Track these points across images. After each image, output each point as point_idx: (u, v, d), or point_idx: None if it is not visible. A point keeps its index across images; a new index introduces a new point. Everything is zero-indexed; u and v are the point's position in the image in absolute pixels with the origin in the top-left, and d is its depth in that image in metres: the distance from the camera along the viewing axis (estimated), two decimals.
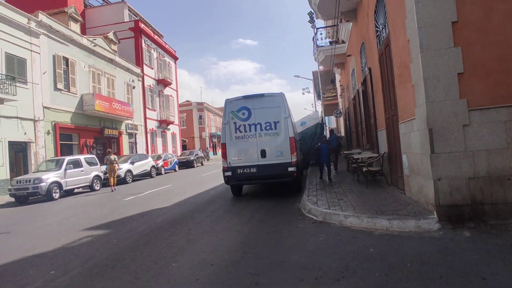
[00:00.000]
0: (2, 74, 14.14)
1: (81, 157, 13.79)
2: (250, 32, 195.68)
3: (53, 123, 17.34)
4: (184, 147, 41.91)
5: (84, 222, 7.06)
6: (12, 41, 15.23)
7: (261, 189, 9.77)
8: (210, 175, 16.58)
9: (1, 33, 14.68)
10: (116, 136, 22.99)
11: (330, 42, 15.59)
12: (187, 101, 50.38)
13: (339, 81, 21.25)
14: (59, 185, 12.01)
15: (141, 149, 26.39)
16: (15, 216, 8.88)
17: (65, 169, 12.47)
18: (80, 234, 5.87)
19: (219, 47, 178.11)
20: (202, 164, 29.18)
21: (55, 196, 11.74)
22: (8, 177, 14.24)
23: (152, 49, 30.51)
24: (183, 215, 6.88)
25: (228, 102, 8.23)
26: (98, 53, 21.87)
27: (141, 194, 10.98)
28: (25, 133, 15.58)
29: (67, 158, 12.93)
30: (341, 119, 25.34)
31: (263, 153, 7.83)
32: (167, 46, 34.11)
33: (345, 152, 12.19)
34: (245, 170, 7.90)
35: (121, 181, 15.89)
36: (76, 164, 13.26)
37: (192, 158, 27.22)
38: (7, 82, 14.19)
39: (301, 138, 12.75)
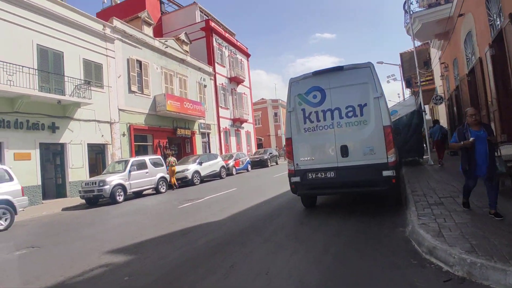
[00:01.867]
0: (79, 79, 14.64)
1: (146, 158, 13.33)
2: (327, 25, 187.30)
3: (128, 124, 17.67)
4: (259, 146, 41.05)
5: (118, 238, 5.81)
6: (89, 48, 15.78)
7: (345, 198, 7.37)
8: (281, 177, 14.62)
9: (79, 41, 15.27)
10: (189, 136, 22.88)
11: (429, 5, 12.05)
12: (262, 99, 49.64)
13: (439, 58, 17.03)
14: (123, 187, 11.58)
15: (214, 149, 26.03)
16: (67, 222, 8.34)
17: (129, 171, 12.03)
18: (98, 261, 4.51)
19: (296, 44, 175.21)
20: (276, 163, 27.46)
21: (119, 199, 11.31)
22: (88, 177, 14.69)
23: (224, 47, 30.09)
24: (233, 236, 5.05)
25: (293, 82, 6.11)
26: (170, 54, 21.99)
27: (199, 200, 9.65)
28: (102, 135, 16.04)
29: (131, 160, 12.55)
30: (441, 107, 20.66)
31: (344, 151, 5.49)
32: (238, 43, 33.48)
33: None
34: (319, 175, 5.67)
35: (188, 182, 15.16)
36: (141, 165, 12.80)
37: (265, 157, 25.70)
38: (84, 87, 14.64)
39: None
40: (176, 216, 7.39)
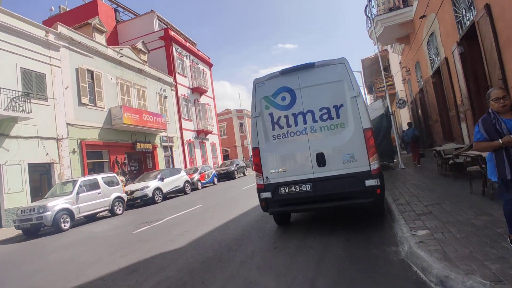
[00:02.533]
0: (15, 90, 12.85)
1: (99, 177, 11.82)
2: (289, 36, 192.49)
3: (78, 140, 15.90)
4: (226, 157, 40.02)
5: (47, 285, 4.57)
6: (29, 56, 14.02)
7: (321, 210, 6.63)
8: (249, 189, 13.76)
9: (16, 48, 13.50)
10: (150, 150, 21.34)
11: (390, 9, 12.05)
12: (226, 109, 48.82)
13: (400, 63, 17.36)
14: (69, 212, 10.03)
15: (178, 163, 24.62)
16: None
17: (78, 193, 10.52)
18: None
19: (258, 55, 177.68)
20: (244, 174, 26.54)
21: (64, 226, 9.75)
22: (30, 202, 12.77)
23: (185, 57, 29.01)
24: (192, 272, 4.06)
25: (258, 83, 5.33)
26: (125, 64, 20.53)
27: (158, 222, 8.46)
28: (47, 154, 14.19)
29: (80, 180, 11.01)
30: (403, 111, 21.12)
31: (320, 159, 4.77)
32: (200, 53, 32.56)
33: (435, 148, 8.51)
34: (293, 189, 4.88)
35: (149, 201, 13.77)
36: (92, 186, 11.30)
37: (232, 168, 24.70)
38: (22, 99, 12.86)
39: None
40: (127, 246, 6.20)
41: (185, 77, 28.48)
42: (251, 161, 36.51)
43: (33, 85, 14.06)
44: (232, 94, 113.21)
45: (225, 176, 23.79)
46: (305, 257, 3.97)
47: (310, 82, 4.96)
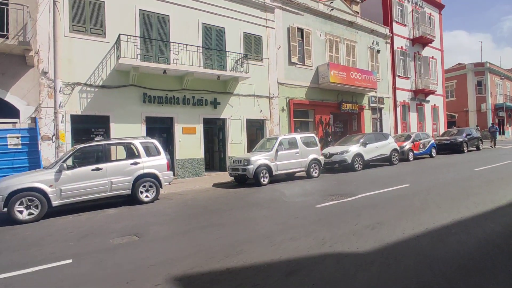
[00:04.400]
0: (239, 53, 14.41)
1: (297, 136, 11.54)
2: None
3: (287, 99, 16.57)
4: (450, 124, 32.35)
5: (214, 251, 4.18)
6: (249, 21, 15.30)
7: None
8: (488, 172, 9.56)
9: (240, 14, 14.97)
10: (356, 111, 19.71)
11: None
12: (458, 64, 38.63)
13: None
14: (268, 168, 10.33)
15: (387, 127, 21.73)
16: (203, 204, 7.65)
17: (277, 150, 10.64)
18: None
19: None
20: (478, 149, 20.01)
21: (263, 181, 10.14)
22: (247, 153, 14.61)
23: (406, 1, 24.11)
24: None
25: None
26: (335, 17, 19.12)
27: (349, 198, 6.94)
28: (261, 111, 15.58)
29: (280, 138, 11.06)
30: None
31: None
32: None
33: None
34: None
35: (348, 167, 12.46)
36: (291, 144, 11.18)
37: (460, 139, 18.80)
38: (242, 61, 14.32)
39: None
40: (301, 226, 5.11)
41: (404, 26, 23.88)
42: (490, 131, 27.10)
43: (252, 47, 15.38)
44: (469, 45, 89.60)
45: (448, 147, 18.62)
46: None
47: None
